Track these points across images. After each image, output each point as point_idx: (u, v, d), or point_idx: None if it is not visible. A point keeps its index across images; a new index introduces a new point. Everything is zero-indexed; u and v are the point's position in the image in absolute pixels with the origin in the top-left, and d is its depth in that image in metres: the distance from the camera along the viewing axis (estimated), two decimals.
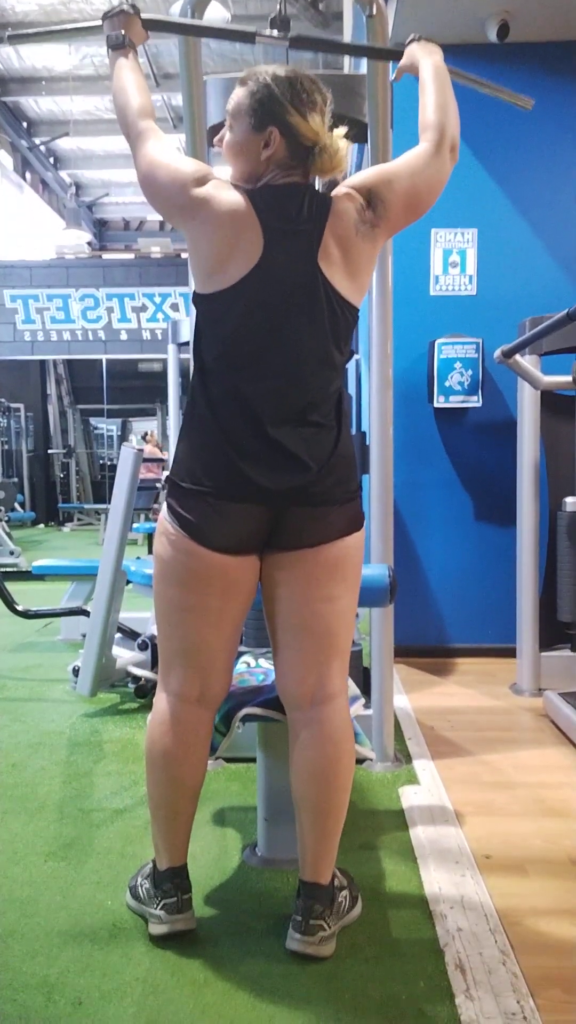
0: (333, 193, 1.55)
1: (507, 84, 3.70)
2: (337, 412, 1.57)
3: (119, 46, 1.67)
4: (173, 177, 1.52)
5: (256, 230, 1.47)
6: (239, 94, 1.56)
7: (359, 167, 4.58)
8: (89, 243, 12.47)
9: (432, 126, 1.60)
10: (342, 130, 1.56)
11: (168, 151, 1.56)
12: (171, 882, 1.55)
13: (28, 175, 12.61)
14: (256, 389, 1.49)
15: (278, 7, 1.82)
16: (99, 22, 1.73)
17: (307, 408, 1.50)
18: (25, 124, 12.21)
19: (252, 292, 1.47)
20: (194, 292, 1.55)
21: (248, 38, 1.80)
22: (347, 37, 6.16)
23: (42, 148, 12.59)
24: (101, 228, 16.67)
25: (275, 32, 1.80)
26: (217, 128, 2.34)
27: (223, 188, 1.50)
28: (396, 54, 1.79)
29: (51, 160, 13.22)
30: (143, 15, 1.71)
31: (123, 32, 1.67)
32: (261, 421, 1.48)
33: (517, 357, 3.04)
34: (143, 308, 9.33)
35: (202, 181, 1.50)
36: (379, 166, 1.59)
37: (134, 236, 15.19)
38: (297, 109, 1.50)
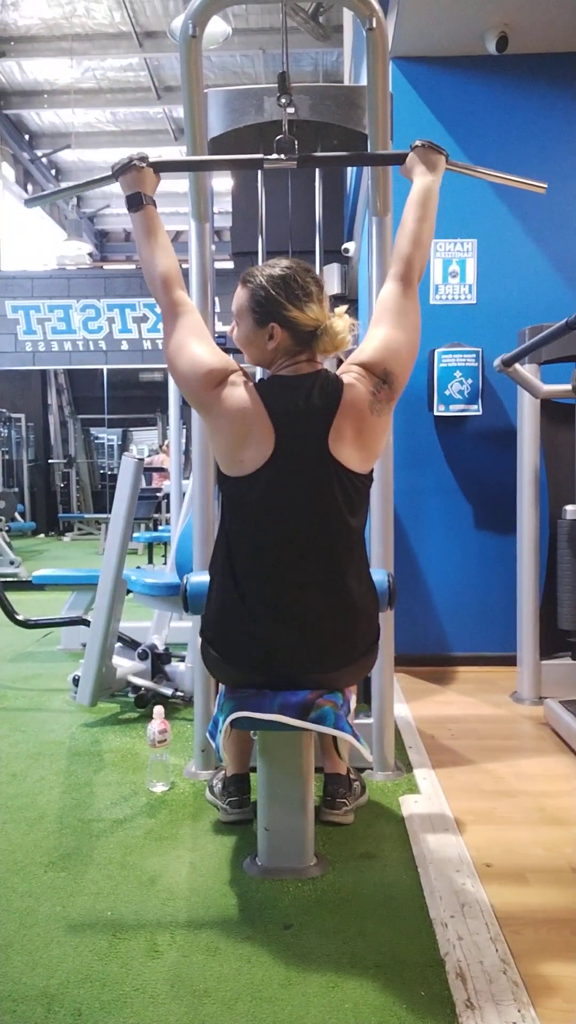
0: (343, 376, 1.63)
1: (506, 96, 3.74)
2: (357, 572, 1.70)
3: (137, 207, 1.72)
4: (194, 370, 1.63)
5: (266, 424, 1.59)
6: (241, 295, 1.68)
7: (358, 175, 4.60)
8: (90, 254, 12.52)
9: (402, 258, 1.69)
10: (342, 308, 1.66)
11: (195, 335, 1.66)
12: (235, 785, 2.03)
13: (30, 187, 12.69)
14: (275, 567, 1.63)
15: (283, 129, 1.82)
16: (109, 174, 1.78)
17: (325, 579, 1.63)
18: (27, 136, 12.30)
19: (268, 482, 1.60)
20: (217, 470, 1.69)
21: (256, 164, 1.84)
22: (347, 50, 6.21)
23: (44, 160, 12.68)
24: (102, 239, 16.76)
25: (282, 156, 1.81)
26: (219, 140, 2.37)
27: (235, 386, 1.62)
28: (400, 157, 1.81)
29: (53, 172, 13.30)
30: (151, 159, 1.75)
31: (138, 191, 1.71)
32: (279, 598, 1.63)
33: (517, 366, 3.05)
34: (144, 318, 9.35)
35: (218, 381, 1.62)
36: (378, 336, 1.65)
37: (135, 247, 15.25)
38: (294, 304, 1.62)
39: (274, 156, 1.81)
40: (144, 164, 1.72)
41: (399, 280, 1.68)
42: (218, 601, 1.72)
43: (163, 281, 1.69)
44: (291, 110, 1.84)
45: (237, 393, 1.61)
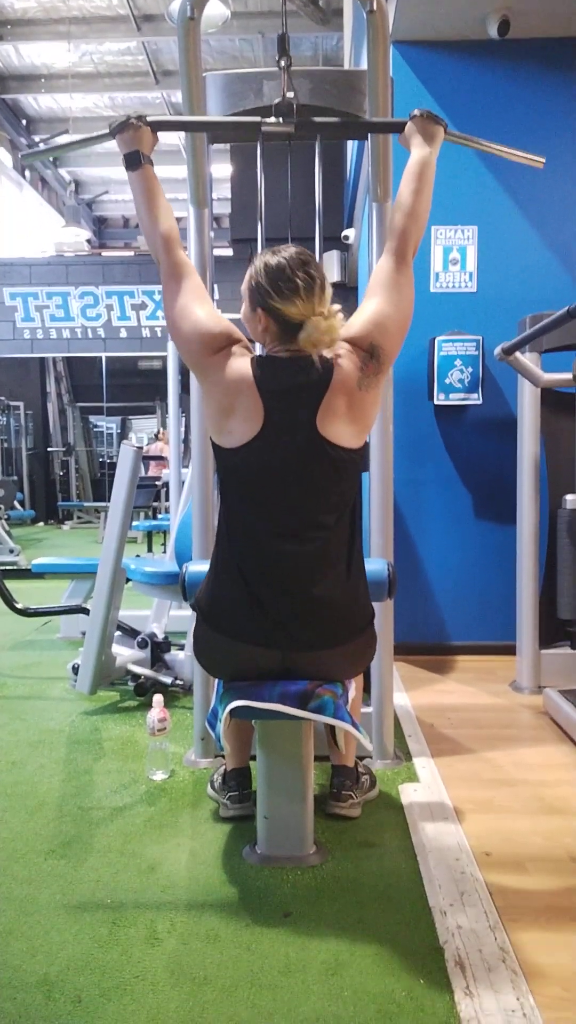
0: (333, 356, 1.63)
1: (507, 81, 3.70)
2: (348, 548, 1.70)
3: (135, 166, 1.72)
4: (198, 334, 1.65)
5: (255, 398, 1.60)
6: (246, 275, 1.68)
7: (359, 161, 4.57)
8: (88, 241, 12.45)
9: (397, 232, 1.68)
10: (335, 307, 1.64)
11: (198, 299, 1.68)
12: (235, 780, 2.01)
13: (27, 173, 12.61)
14: (268, 537, 1.64)
15: (282, 92, 1.78)
16: (107, 131, 1.77)
17: (314, 554, 1.64)
18: (24, 122, 12.21)
19: (257, 455, 1.61)
20: (211, 438, 1.70)
21: (254, 127, 1.81)
22: (347, 34, 6.15)
23: (41, 145, 12.57)
24: (100, 226, 16.66)
25: (280, 119, 1.78)
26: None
27: (235, 357, 1.63)
28: (399, 125, 1.79)
29: (50, 158, 13.20)
30: (148, 118, 1.73)
31: (136, 149, 1.71)
32: (273, 570, 1.64)
33: (517, 354, 3.04)
34: (143, 306, 9.31)
35: (220, 346, 1.64)
36: (368, 310, 1.66)
37: (133, 233, 15.18)
38: (279, 295, 1.60)
39: (272, 119, 1.79)
40: (141, 123, 1.73)
41: (393, 254, 1.67)
42: (218, 573, 1.72)
43: (164, 241, 1.70)
44: (291, 94, 1.81)
45: (235, 364, 1.62)
